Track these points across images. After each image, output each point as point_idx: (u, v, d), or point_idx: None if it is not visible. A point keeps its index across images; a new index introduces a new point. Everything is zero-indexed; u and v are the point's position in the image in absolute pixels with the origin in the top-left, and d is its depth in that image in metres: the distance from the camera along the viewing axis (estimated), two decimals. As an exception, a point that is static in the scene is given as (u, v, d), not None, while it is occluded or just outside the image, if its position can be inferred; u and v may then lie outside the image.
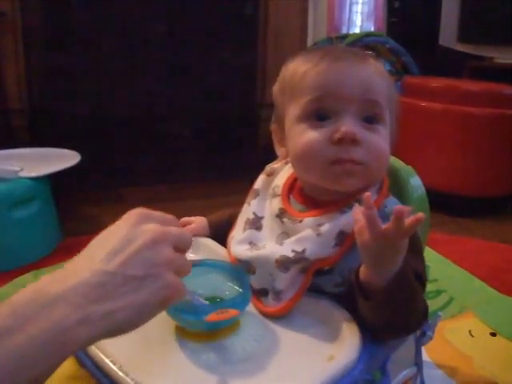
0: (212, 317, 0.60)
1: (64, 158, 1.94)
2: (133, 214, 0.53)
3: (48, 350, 0.42)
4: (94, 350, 0.60)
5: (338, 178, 0.68)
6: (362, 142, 0.66)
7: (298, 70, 0.71)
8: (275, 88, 0.78)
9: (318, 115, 0.68)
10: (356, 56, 0.72)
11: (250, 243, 0.74)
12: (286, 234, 0.72)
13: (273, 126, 0.80)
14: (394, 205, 0.68)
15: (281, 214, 0.74)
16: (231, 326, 0.65)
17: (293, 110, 0.71)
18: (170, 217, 0.57)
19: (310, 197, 0.74)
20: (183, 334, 0.65)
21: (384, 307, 0.61)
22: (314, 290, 0.69)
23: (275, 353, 0.64)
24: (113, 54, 2.68)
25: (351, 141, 0.66)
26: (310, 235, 0.68)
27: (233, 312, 0.62)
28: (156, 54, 2.81)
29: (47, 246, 1.82)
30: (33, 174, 1.77)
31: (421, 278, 0.66)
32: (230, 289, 0.69)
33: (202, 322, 0.60)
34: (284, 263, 0.68)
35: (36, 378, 0.42)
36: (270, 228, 0.74)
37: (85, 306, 0.44)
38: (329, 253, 0.67)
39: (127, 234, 0.50)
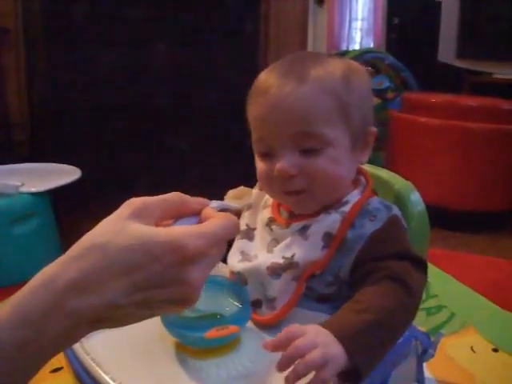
0: (212, 333, 0.60)
1: (64, 174, 1.94)
2: (175, 252, 0.44)
3: (52, 356, 0.44)
4: (94, 366, 0.60)
5: (295, 206, 0.73)
6: (299, 174, 0.68)
7: (249, 94, 0.74)
8: None
9: (261, 152, 0.72)
10: (291, 75, 0.69)
11: (242, 252, 0.75)
12: (275, 241, 0.73)
13: None
14: (377, 202, 0.71)
15: (270, 223, 0.75)
16: (231, 342, 0.65)
17: None
18: (216, 236, 0.47)
19: None
20: (183, 349, 0.64)
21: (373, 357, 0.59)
22: (307, 293, 0.69)
23: (275, 370, 0.63)
24: (114, 69, 2.70)
25: (287, 176, 0.68)
26: (297, 240, 0.70)
27: (233, 328, 0.62)
28: (157, 70, 2.83)
29: (47, 262, 1.80)
30: (33, 190, 1.77)
31: (408, 258, 0.67)
32: (230, 305, 0.69)
33: (202, 338, 0.60)
34: (275, 270, 0.68)
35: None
36: (260, 237, 0.75)
37: (93, 325, 0.44)
38: (318, 256, 0.68)
39: (159, 273, 0.43)
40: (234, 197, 0.63)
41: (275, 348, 0.54)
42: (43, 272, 0.44)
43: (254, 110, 0.72)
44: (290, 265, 0.68)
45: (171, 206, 0.49)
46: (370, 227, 0.68)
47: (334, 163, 0.69)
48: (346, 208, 0.70)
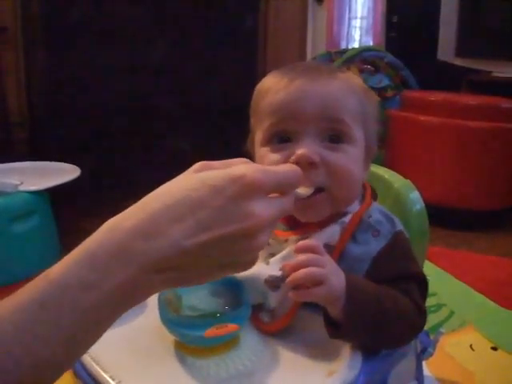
0: (211, 332, 0.60)
1: (64, 172, 1.94)
2: (235, 181, 0.44)
3: (120, 310, 0.43)
4: (93, 364, 0.60)
5: (302, 209, 0.66)
6: (320, 165, 0.63)
7: (262, 91, 0.70)
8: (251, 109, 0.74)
9: (278, 138, 0.66)
10: (319, 71, 0.68)
11: None
12: (272, 255, 0.70)
13: (247, 147, 0.76)
14: (378, 213, 0.69)
15: None
16: (231, 341, 0.65)
17: (258, 135, 0.70)
18: (284, 181, 0.48)
19: (293, 217, 0.70)
20: (183, 348, 0.64)
21: (354, 333, 0.61)
22: (306, 303, 0.67)
23: (275, 368, 0.63)
24: (113, 69, 2.70)
25: (308, 164, 0.62)
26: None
27: (232, 327, 0.62)
28: (156, 69, 2.82)
29: (46, 261, 1.80)
30: (32, 188, 1.77)
31: (414, 278, 0.66)
32: (229, 303, 0.69)
33: (202, 337, 0.60)
34: (273, 283, 0.67)
35: (95, 339, 0.44)
36: None
37: (161, 273, 0.43)
38: None
39: (222, 208, 0.43)
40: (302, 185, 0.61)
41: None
42: (109, 220, 0.44)
43: (272, 98, 0.67)
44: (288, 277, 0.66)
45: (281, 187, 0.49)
46: (374, 246, 0.66)
47: (355, 162, 0.66)
48: (346, 219, 0.68)
